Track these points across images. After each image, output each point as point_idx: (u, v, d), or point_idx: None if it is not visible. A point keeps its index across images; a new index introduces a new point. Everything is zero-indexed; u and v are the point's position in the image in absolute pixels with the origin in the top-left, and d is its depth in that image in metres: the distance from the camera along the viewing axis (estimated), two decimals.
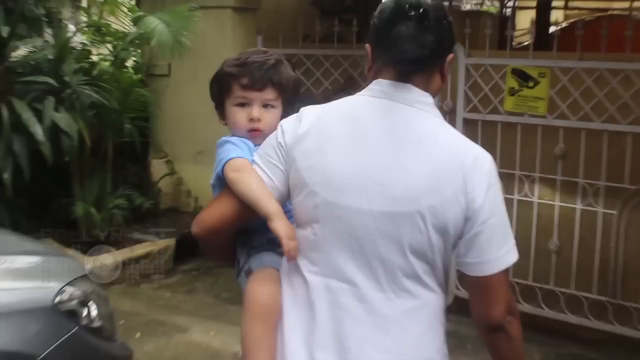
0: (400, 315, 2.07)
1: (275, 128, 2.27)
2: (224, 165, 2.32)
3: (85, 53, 7.89)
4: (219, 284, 7.14)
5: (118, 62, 7.37)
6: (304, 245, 2.14)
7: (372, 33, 2.21)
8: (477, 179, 2.10)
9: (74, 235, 7.12)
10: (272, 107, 2.45)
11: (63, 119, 6.63)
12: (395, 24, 2.09)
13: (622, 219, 5.92)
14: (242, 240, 2.40)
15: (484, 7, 13.09)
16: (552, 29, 11.48)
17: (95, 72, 7.47)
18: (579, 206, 6.04)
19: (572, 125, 5.98)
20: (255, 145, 2.38)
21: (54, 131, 6.62)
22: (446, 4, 11.51)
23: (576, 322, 6.06)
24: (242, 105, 2.48)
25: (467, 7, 12.37)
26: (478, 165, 2.13)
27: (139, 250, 7.21)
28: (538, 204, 6.22)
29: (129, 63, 8.20)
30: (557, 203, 6.14)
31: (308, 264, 2.14)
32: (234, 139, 2.46)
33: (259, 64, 2.48)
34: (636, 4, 11.37)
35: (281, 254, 2.20)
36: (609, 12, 12.04)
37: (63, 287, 3.44)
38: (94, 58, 8.05)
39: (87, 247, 6.94)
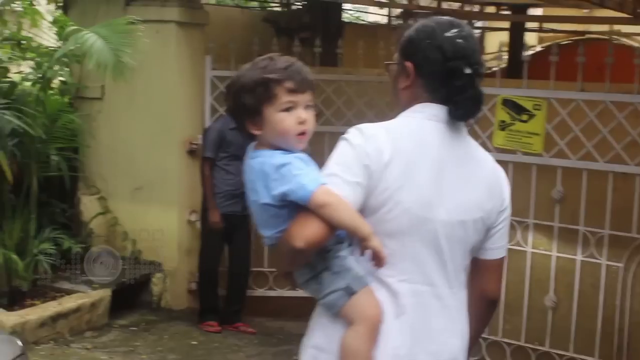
0: (461, 305, 2.62)
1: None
2: (312, 190, 2.43)
3: (3, 71, 7.28)
4: (162, 342, 6.61)
5: (44, 82, 6.76)
6: (394, 256, 2.48)
7: (424, 63, 2.55)
8: (506, 185, 2.73)
9: None
10: (311, 108, 2.58)
11: None
12: (458, 71, 2.54)
13: (629, 272, 5.61)
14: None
15: None
16: (525, 53, 11.26)
17: (15, 94, 6.86)
18: (579, 257, 5.76)
19: (572, 165, 5.69)
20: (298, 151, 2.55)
21: None
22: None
23: None
24: (288, 110, 2.51)
25: None
26: (504, 175, 2.76)
27: (69, 303, 6.61)
28: (532, 254, 5.93)
29: (55, 83, 7.59)
30: (554, 253, 5.85)
31: (397, 274, 2.52)
32: (293, 156, 2.51)
33: (294, 67, 2.54)
34: (616, 27, 11.22)
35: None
36: (587, 36, 11.84)
37: None
38: (14, 77, 7.45)
39: (8, 300, 6.38)
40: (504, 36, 12.48)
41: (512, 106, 5.82)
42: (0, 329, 5.98)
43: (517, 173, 5.80)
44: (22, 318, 6.21)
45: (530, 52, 10.93)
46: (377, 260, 2.44)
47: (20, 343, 3.41)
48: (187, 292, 7.53)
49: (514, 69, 10.07)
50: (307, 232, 2.45)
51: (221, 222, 6.84)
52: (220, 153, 6.83)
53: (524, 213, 5.83)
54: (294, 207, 2.46)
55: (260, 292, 7.41)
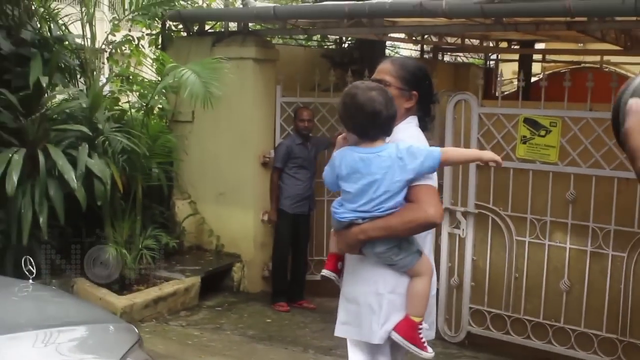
0: None
1: None
2: (438, 152, 2.88)
3: (115, 101, 7.37)
4: (243, 320, 6.59)
5: (148, 109, 6.82)
6: None
7: (424, 92, 3.15)
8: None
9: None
10: None
11: (96, 164, 6.11)
12: (436, 100, 3.26)
13: (632, 261, 5.46)
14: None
15: (471, 59, 12.69)
16: (533, 79, 11.13)
17: (125, 119, 6.93)
18: (589, 248, 5.60)
19: (583, 172, 5.55)
20: None
21: (87, 176, 6.09)
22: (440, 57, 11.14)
23: (585, 358, 5.58)
24: None
25: (453, 59, 11.90)
26: None
27: (167, 288, 6.63)
28: (549, 246, 5.77)
29: (155, 110, 7.66)
30: (568, 245, 5.69)
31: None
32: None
33: None
34: (606, 58, 11.07)
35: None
36: (582, 65, 11.67)
37: None
38: (123, 106, 7.54)
39: (119, 286, 6.42)
40: (514, 66, 12.37)
41: (532, 124, 5.71)
42: (112, 309, 6.02)
43: (536, 179, 5.73)
44: (130, 301, 6.27)
45: (535, 79, 10.83)
46: (497, 163, 2.96)
47: (136, 330, 3.35)
48: (261, 278, 7.53)
49: (524, 92, 9.92)
50: (440, 210, 2.90)
51: (277, 219, 6.95)
52: (289, 164, 6.84)
53: (543, 212, 5.73)
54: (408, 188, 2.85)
55: (320, 276, 7.40)
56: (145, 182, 6.82)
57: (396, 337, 2.91)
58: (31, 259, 3.59)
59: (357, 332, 2.99)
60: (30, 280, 3.58)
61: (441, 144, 6.61)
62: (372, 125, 2.87)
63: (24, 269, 3.61)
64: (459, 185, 6.09)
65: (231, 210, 7.46)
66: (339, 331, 3.08)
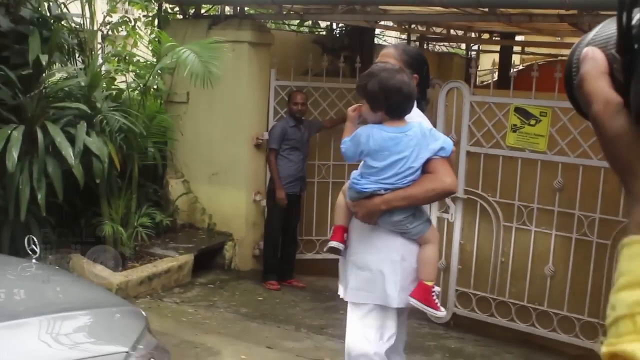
0: None
1: None
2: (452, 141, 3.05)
3: (111, 80, 7.11)
4: (235, 298, 6.42)
5: (145, 89, 6.56)
6: None
7: (423, 76, 3.26)
8: None
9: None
10: None
11: (94, 142, 5.87)
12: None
13: (615, 248, 5.32)
14: None
15: (452, 50, 12.52)
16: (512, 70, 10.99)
17: (122, 99, 6.68)
18: (574, 235, 5.49)
19: (571, 161, 5.43)
20: None
21: (85, 154, 5.85)
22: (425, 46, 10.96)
23: (567, 340, 5.48)
24: None
25: (436, 49, 11.71)
26: None
27: (161, 265, 6.44)
28: (535, 233, 5.65)
29: (150, 91, 7.41)
30: (554, 232, 5.57)
31: None
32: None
33: None
34: None
35: None
36: (559, 58, 11.54)
37: (128, 352, 2.62)
38: (119, 85, 7.29)
39: (114, 263, 6.21)
40: (494, 57, 12.23)
41: (523, 113, 5.57)
42: (108, 285, 5.83)
43: (525, 167, 5.60)
44: (125, 278, 6.07)
45: (515, 70, 10.70)
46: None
47: (144, 314, 3.16)
48: (252, 257, 7.34)
49: (503, 82, 9.79)
50: (455, 180, 3.01)
51: (286, 199, 6.63)
52: (283, 145, 6.65)
53: (530, 199, 5.60)
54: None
55: (309, 255, 7.32)
56: (141, 161, 6.59)
57: (414, 302, 2.98)
58: (34, 238, 3.37)
59: (371, 297, 3.04)
60: (33, 260, 3.36)
61: None
62: (406, 105, 2.93)
63: (27, 247, 3.40)
64: None
65: (224, 190, 7.25)
66: (352, 296, 3.10)
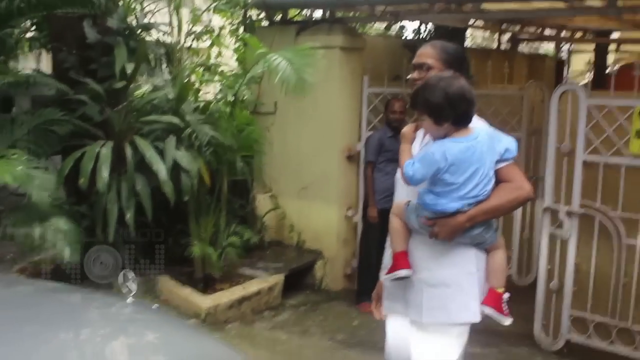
0: None
1: None
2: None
3: (196, 91, 6.71)
4: (329, 322, 5.92)
5: (235, 100, 6.09)
6: None
7: (464, 74, 2.97)
8: None
9: (187, 272, 5.98)
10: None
11: (184, 157, 5.47)
12: None
13: None
14: None
15: (543, 51, 11.78)
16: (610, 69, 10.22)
17: (210, 111, 6.25)
18: None
19: None
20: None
21: (173, 169, 5.44)
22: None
23: None
24: None
25: (524, 50, 10.98)
26: None
27: (251, 287, 5.98)
28: None
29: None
30: None
31: None
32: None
33: None
34: None
35: None
36: None
37: None
38: (203, 96, 6.90)
39: (203, 285, 5.78)
40: (586, 57, 11.47)
41: None
42: (197, 309, 5.40)
43: None
44: (215, 302, 5.65)
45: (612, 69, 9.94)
46: None
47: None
48: (343, 276, 6.82)
49: (599, 83, 9.04)
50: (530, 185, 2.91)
51: (377, 217, 6.08)
52: (380, 157, 6.11)
53: None
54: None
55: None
56: (231, 176, 6.15)
57: (489, 310, 2.87)
58: (131, 273, 2.91)
59: (452, 315, 2.88)
60: (130, 298, 2.90)
61: (545, 138, 5.86)
62: (472, 111, 2.79)
63: (122, 284, 2.95)
64: (562, 182, 5.29)
65: (314, 205, 6.77)
66: (428, 317, 2.89)
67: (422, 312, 2.88)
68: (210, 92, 6.94)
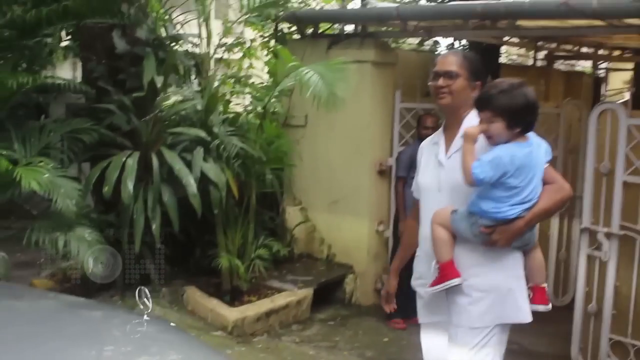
0: None
1: None
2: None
3: (227, 103, 6.65)
4: (358, 338, 5.77)
5: (265, 112, 6.01)
6: None
7: (485, 83, 3.00)
8: None
9: (215, 283, 5.88)
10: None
11: (212, 169, 5.41)
12: None
13: None
14: None
15: (580, 68, 11.53)
16: None
17: (239, 122, 6.19)
18: None
19: None
20: None
21: (201, 181, 5.37)
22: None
23: None
24: None
25: (561, 67, 10.74)
26: None
27: (279, 300, 5.88)
28: None
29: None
30: None
31: None
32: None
33: None
34: None
35: None
36: None
37: None
38: (234, 108, 6.84)
39: (230, 297, 5.68)
40: (623, 76, 11.19)
41: None
42: (224, 322, 5.31)
43: None
44: (242, 314, 5.55)
45: None
46: None
47: None
48: (374, 291, 6.66)
49: (638, 102, 8.77)
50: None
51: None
52: (411, 173, 5.97)
53: None
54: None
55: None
56: (260, 188, 6.07)
57: (535, 307, 2.97)
58: (146, 291, 2.83)
59: (502, 317, 2.93)
60: (145, 316, 2.82)
61: (583, 157, 5.67)
62: (536, 120, 2.85)
63: (138, 300, 2.87)
64: (601, 202, 5.08)
65: (344, 218, 6.65)
66: (477, 321, 2.91)
67: (471, 317, 2.92)
68: (240, 103, 6.87)
